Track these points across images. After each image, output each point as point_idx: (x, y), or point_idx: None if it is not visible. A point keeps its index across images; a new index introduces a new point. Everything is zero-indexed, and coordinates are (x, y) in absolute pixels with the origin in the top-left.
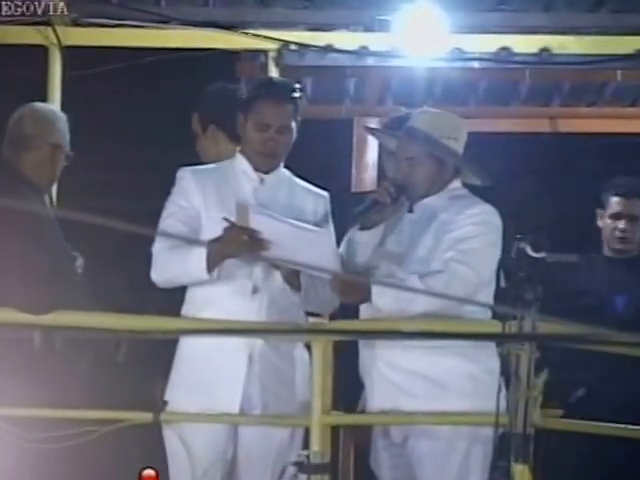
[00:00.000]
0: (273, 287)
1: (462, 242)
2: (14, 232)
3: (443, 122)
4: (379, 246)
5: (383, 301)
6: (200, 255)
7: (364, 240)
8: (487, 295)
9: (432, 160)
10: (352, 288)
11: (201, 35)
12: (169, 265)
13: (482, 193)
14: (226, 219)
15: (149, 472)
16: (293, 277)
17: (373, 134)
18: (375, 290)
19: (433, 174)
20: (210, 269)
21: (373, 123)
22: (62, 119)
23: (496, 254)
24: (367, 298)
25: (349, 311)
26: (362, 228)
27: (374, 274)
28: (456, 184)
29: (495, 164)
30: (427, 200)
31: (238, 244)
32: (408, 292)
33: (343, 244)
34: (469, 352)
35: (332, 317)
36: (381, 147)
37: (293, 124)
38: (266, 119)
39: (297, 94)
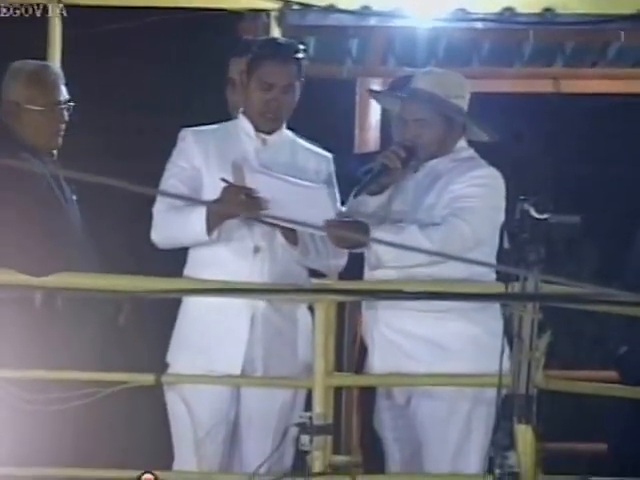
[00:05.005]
0: (275, 247)
1: (461, 200)
2: (12, 194)
3: (448, 81)
4: (385, 205)
5: (382, 247)
6: (200, 216)
7: (373, 204)
8: (486, 256)
9: (441, 120)
10: (350, 231)
11: None
12: (169, 226)
13: (486, 153)
14: (224, 179)
15: (148, 477)
16: (290, 231)
17: (376, 97)
18: (374, 234)
19: (443, 134)
20: (210, 230)
21: (376, 84)
22: (57, 74)
23: (497, 217)
24: (365, 242)
25: (353, 273)
26: (371, 193)
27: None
28: (462, 143)
29: (498, 124)
30: (434, 162)
31: (236, 204)
32: (408, 239)
33: (347, 207)
34: (471, 315)
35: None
36: (384, 110)
37: (297, 84)
38: (270, 78)
39: (301, 54)
